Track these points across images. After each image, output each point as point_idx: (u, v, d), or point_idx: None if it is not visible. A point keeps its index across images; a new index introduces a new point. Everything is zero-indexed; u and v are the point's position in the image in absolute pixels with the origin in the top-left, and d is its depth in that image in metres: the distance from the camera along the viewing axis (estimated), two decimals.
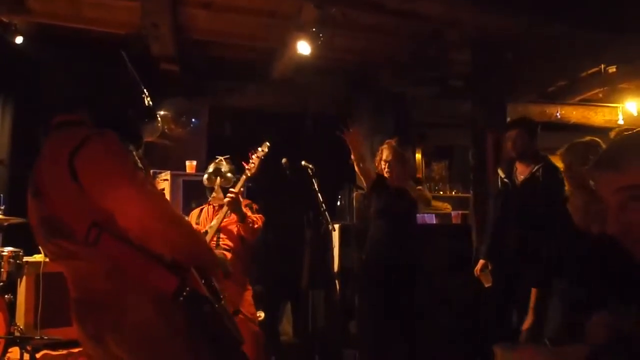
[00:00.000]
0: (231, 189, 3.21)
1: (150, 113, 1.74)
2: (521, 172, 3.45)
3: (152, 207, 1.49)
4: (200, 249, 1.64)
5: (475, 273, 3.57)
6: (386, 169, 3.64)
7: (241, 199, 3.26)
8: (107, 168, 1.48)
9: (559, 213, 2.80)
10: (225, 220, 3.23)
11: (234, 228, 3.33)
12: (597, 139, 2.68)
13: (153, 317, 1.47)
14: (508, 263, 3.37)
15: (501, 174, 3.59)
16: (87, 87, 1.69)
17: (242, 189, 3.30)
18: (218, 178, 3.46)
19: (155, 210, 1.50)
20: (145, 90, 1.73)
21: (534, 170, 3.35)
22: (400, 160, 3.64)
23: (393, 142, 3.75)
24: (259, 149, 3.28)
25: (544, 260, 2.69)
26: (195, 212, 3.57)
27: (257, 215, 3.36)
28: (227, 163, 3.55)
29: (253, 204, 3.45)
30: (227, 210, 3.15)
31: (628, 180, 1.01)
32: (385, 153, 3.67)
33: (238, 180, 3.30)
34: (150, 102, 1.73)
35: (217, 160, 3.57)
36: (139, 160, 1.56)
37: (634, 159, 1.01)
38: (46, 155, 1.57)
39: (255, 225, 3.28)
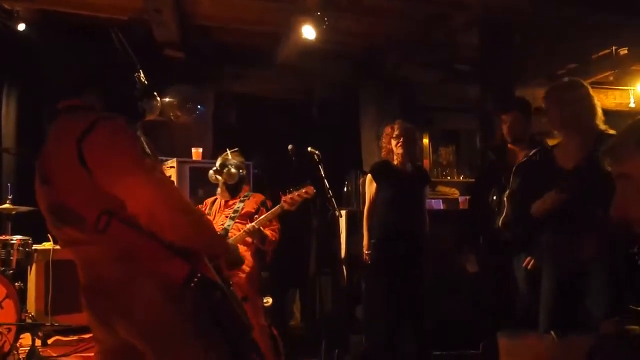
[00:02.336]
0: (253, 225, 3.10)
1: (150, 91, 1.72)
2: (515, 156, 3.31)
3: (160, 193, 1.48)
4: (209, 236, 1.63)
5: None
6: (399, 145, 3.56)
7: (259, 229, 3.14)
8: (115, 153, 1.46)
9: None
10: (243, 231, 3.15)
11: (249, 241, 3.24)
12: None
13: (162, 303, 1.47)
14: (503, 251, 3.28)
15: (492, 156, 3.50)
16: (90, 70, 1.68)
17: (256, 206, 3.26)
18: (221, 175, 3.33)
19: (164, 197, 1.49)
20: (140, 68, 1.71)
21: (531, 154, 3.15)
22: (412, 135, 3.58)
23: (402, 121, 3.69)
24: (303, 190, 3.09)
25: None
26: (209, 201, 3.49)
27: (274, 227, 3.24)
28: (234, 156, 3.43)
29: (267, 202, 3.34)
30: (248, 232, 3.09)
31: (623, 170, 1.10)
32: (396, 129, 3.60)
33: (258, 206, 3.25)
34: (147, 80, 1.72)
35: (224, 155, 3.44)
36: (146, 146, 1.54)
37: (630, 149, 1.10)
38: (53, 141, 1.55)
39: (274, 244, 3.22)
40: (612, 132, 2.54)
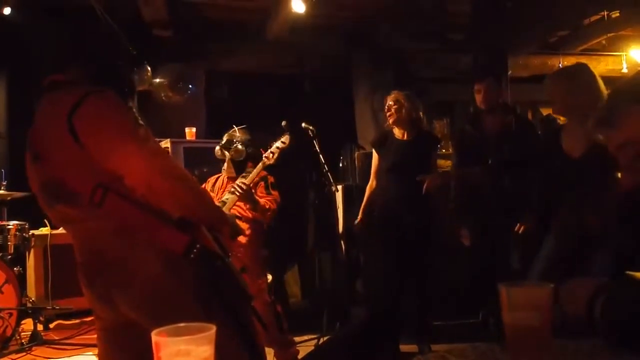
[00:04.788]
0: (242, 182, 3.04)
1: (138, 61, 1.69)
2: (491, 123, 3.34)
3: (155, 162, 1.47)
4: (207, 206, 1.62)
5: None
6: (389, 115, 3.52)
7: (252, 189, 3.10)
8: (108, 125, 1.44)
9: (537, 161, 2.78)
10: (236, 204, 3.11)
11: (247, 213, 3.20)
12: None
13: (162, 274, 1.46)
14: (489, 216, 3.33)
15: (468, 128, 3.51)
16: (75, 45, 1.63)
17: (257, 179, 3.19)
18: (228, 151, 3.30)
19: (160, 167, 1.47)
20: (125, 38, 1.67)
21: (507, 121, 3.24)
22: (402, 104, 3.52)
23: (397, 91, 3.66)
24: (280, 140, 3.12)
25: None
26: (212, 179, 3.46)
27: (270, 198, 3.21)
28: (242, 133, 3.38)
29: (269, 177, 3.30)
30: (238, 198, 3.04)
31: (624, 136, 0.98)
32: (388, 100, 3.58)
33: (249, 161, 3.20)
34: (133, 51, 1.68)
35: (231, 131, 3.39)
36: (139, 118, 1.52)
37: (624, 111, 0.98)
38: (43, 117, 1.52)
39: (269, 211, 3.17)
40: None
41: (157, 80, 4.93)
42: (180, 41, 5.06)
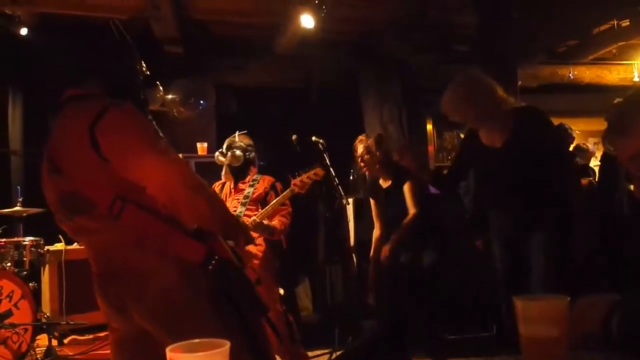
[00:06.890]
0: (254, 219, 3.05)
1: (151, 80, 1.73)
2: None
3: (177, 173, 1.49)
4: (223, 215, 1.63)
5: None
6: (365, 162, 3.46)
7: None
8: (130, 137, 1.46)
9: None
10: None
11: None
12: None
13: (178, 285, 1.47)
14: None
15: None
16: (92, 60, 1.66)
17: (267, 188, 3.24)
18: (225, 158, 3.28)
19: (180, 177, 1.50)
20: (141, 59, 1.71)
21: None
22: (377, 148, 3.43)
23: (363, 137, 3.56)
24: (312, 172, 3.10)
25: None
26: (217, 184, 3.45)
27: (284, 212, 3.20)
28: (242, 138, 3.36)
29: (277, 184, 3.30)
30: (251, 226, 3.02)
31: (637, 146, 0.96)
32: (361, 145, 3.48)
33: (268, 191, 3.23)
34: (148, 71, 1.72)
35: (231, 137, 3.38)
36: (159, 130, 1.55)
37: (637, 120, 0.95)
38: (62, 130, 1.54)
39: (285, 230, 3.19)
40: (523, 104, 2.60)
41: (169, 96, 4.99)
42: (190, 57, 5.13)
